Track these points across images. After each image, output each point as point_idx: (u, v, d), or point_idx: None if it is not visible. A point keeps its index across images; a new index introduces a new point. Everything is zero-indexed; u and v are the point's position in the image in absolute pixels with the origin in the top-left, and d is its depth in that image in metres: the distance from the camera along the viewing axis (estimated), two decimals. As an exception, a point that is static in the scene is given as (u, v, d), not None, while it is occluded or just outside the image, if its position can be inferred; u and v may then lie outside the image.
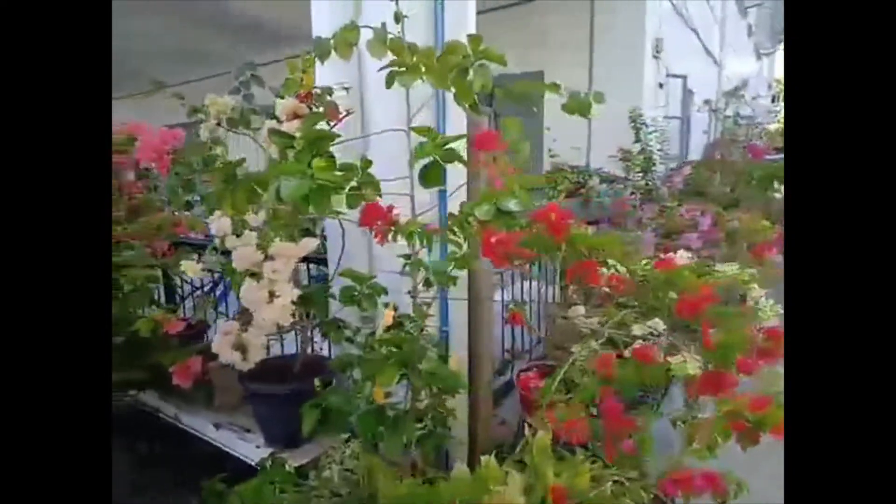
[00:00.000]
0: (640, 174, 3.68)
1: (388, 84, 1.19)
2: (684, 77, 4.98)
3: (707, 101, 6.34)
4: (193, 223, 1.73)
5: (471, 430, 2.00)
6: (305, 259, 1.99)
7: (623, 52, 4.13)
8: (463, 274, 1.53)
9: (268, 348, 2.05)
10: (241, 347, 1.47)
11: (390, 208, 1.06)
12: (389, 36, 1.33)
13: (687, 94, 5.55)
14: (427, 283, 1.43)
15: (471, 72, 1.33)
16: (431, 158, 1.09)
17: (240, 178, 1.05)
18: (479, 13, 4.55)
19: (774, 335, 0.96)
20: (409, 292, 1.33)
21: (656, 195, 3.32)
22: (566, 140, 4.31)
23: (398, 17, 1.21)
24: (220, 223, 1.40)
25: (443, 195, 1.66)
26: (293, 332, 1.89)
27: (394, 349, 1.37)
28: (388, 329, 1.36)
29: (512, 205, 1.00)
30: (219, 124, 1.65)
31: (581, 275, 1.03)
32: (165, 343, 1.72)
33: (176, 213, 1.72)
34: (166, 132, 1.89)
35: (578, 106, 1.54)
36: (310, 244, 1.32)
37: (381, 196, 1.25)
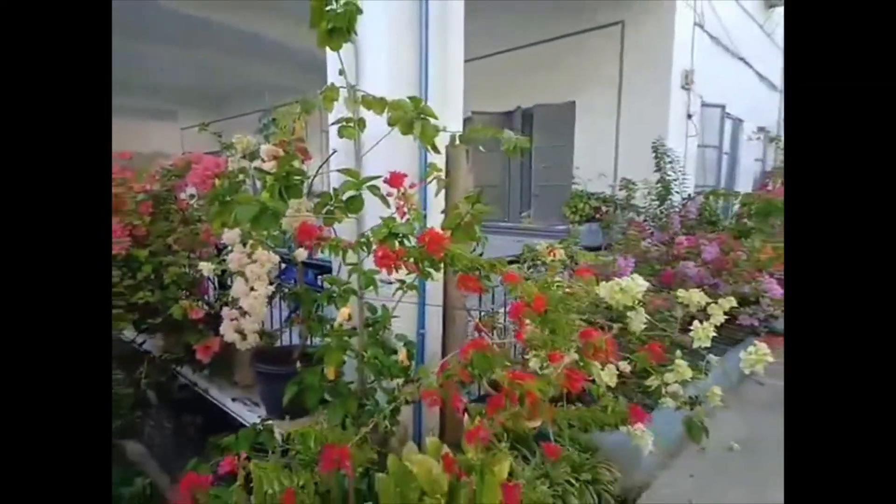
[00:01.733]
0: (657, 202, 3.78)
1: (340, 134, 1.56)
2: (722, 106, 4.95)
3: (761, 129, 6.14)
4: (217, 233, 2.21)
5: (442, 417, 2.28)
6: (309, 265, 2.42)
7: (650, 84, 4.27)
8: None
9: (280, 338, 2.50)
10: (241, 331, 1.89)
11: (320, 228, 1.42)
12: (361, 92, 1.72)
13: (729, 122, 5.47)
14: (401, 289, 1.78)
15: (416, 124, 1.66)
16: (355, 192, 1.44)
17: (225, 202, 1.47)
18: (516, 48, 4.95)
19: (586, 334, 1.17)
20: (357, 294, 1.68)
21: (664, 223, 3.41)
22: (595, 168, 4.49)
23: (342, 72, 1.57)
24: (229, 235, 1.85)
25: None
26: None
27: (345, 339, 1.72)
28: (341, 324, 1.72)
29: (402, 229, 1.32)
30: (244, 157, 2.12)
31: (464, 283, 1.32)
32: (194, 326, 2.19)
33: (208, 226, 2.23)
34: (211, 161, 2.41)
35: (515, 146, 1.81)
36: (274, 257, 1.72)
37: (347, 217, 1.62)
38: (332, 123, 1.57)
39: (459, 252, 1.30)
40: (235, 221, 1.27)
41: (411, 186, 1.43)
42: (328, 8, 1.39)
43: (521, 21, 4.87)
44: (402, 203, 1.40)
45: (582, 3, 4.42)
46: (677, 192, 3.68)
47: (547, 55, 4.91)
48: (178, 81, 7.67)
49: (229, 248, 1.96)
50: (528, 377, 1.04)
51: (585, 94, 4.72)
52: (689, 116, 4.36)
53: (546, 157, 5.06)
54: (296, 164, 1.61)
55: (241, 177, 2.14)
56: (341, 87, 1.71)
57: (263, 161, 1.58)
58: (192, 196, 2.45)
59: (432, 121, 1.66)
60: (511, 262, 2.57)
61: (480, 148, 1.95)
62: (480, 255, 2.82)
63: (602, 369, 1.78)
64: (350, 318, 1.73)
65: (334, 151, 1.93)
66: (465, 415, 1.37)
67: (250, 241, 1.71)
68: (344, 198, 1.43)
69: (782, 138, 6.50)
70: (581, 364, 1.27)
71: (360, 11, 1.45)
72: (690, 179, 4.52)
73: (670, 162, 3.82)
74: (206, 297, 2.58)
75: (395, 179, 1.40)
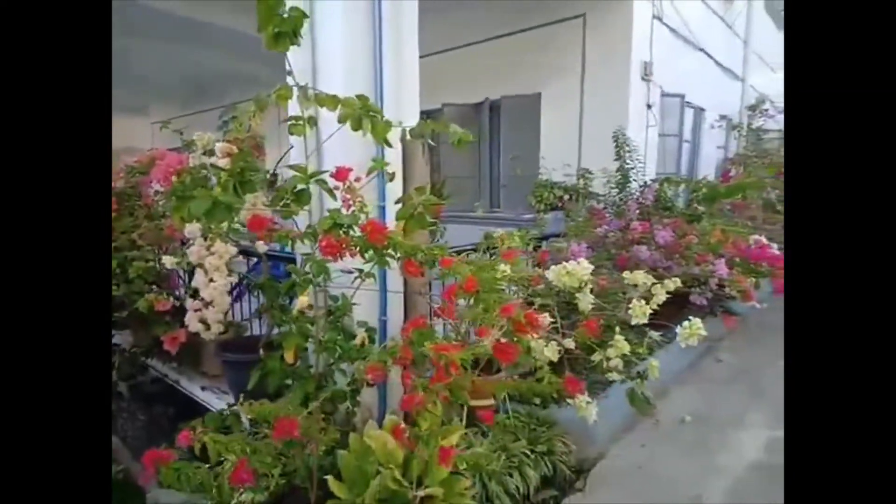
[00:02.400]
0: (617, 190, 3.94)
1: (290, 131, 1.65)
2: (681, 96, 5.13)
3: (724, 117, 6.36)
4: (179, 227, 2.28)
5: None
6: (279, 257, 2.51)
7: (611, 76, 4.41)
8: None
9: (250, 329, 2.58)
10: (204, 321, 1.98)
11: (271, 219, 1.52)
12: (312, 90, 1.81)
13: (690, 112, 5.66)
14: (360, 278, 1.88)
15: (365, 121, 1.75)
16: (304, 186, 1.54)
17: (183, 197, 1.55)
18: (482, 41, 5.01)
19: (506, 310, 1.28)
20: (313, 283, 1.78)
21: (618, 210, 3.57)
22: (561, 158, 4.63)
23: (290, 73, 1.66)
24: (191, 228, 1.93)
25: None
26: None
27: (305, 325, 1.82)
28: (301, 311, 1.82)
29: (346, 220, 1.42)
30: (205, 153, 2.19)
31: (407, 269, 1.43)
32: (161, 319, 2.27)
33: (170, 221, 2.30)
34: (174, 157, 2.47)
35: (460, 140, 1.91)
36: (231, 249, 1.81)
37: (303, 209, 1.72)
38: (283, 121, 1.66)
39: (400, 240, 1.41)
40: (190, 215, 1.35)
41: (357, 180, 1.54)
42: (278, 12, 1.48)
43: (488, 15, 4.96)
44: (347, 196, 1.50)
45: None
46: (635, 181, 3.84)
47: (513, 48, 5.01)
48: (149, 76, 7.57)
49: (191, 241, 2.04)
50: (451, 348, 1.15)
51: (550, 86, 4.84)
52: (649, 107, 4.52)
53: (514, 147, 5.19)
54: (250, 160, 1.69)
55: (203, 173, 2.21)
56: (294, 85, 1.79)
57: (219, 158, 1.66)
58: (156, 192, 2.50)
59: (382, 117, 1.75)
60: (470, 251, 2.69)
61: (430, 142, 2.05)
62: (443, 244, 2.94)
63: (546, 346, 1.93)
64: (310, 306, 1.83)
65: (291, 147, 2.01)
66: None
67: (209, 235, 1.79)
68: (295, 192, 1.53)
69: (744, 126, 6.73)
70: (515, 339, 1.40)
71: (306, 16, 1.53)
72: (651, 168, 4.69)
73: (629, 151, 3.98)
74: (175, 291, 2.65)
75: (340, 174, 1.50)
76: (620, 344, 2.02)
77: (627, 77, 4.28)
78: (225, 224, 1.42)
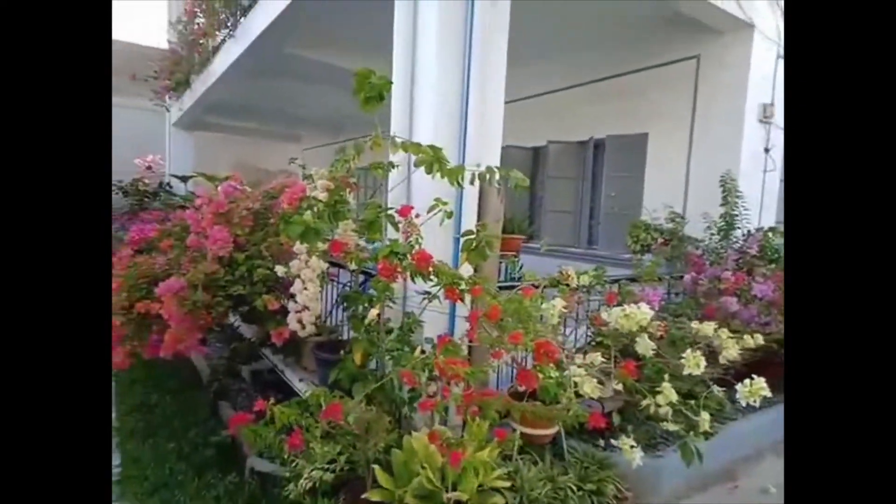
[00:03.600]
0: (719, 236, 3.74)
1: (371, 173, 2.02)
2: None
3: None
4: (290, 244, 2.80)
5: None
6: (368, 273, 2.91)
7: (724, 118, 4.22)
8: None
9: (340, 332, 3.01)
10: (300, 322, 2.42)
11: (347, 243, 1.88)
12: (399, 139, 2.18)
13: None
14: (426, 299, 2.19)
15: (436, 165, 2.07)
16: (374, 218, 1.88)
17: (288, 221, 1.99)
18: (591, 82, 5.20)
19: (542, 346, 1.45)
20: (383, 300, 2.11)
21: (718, 258, 3.38)
22: (665, 199, 4.52)
23: (376, 127, 2.02)
24: (299, 246, 2.40)
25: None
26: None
27: (375, 334, 2.16)
28: (371, 321, 2.16)
29: (401, 249, 1.71)
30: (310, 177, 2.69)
31: (448, 294, 1.68)
32: (273, 317, 2.78)
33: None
34: (298, 187, 3.03)
35: (517, 185, 2.13)
36: (323, 265, 2.22)
37: (379, 237, 2.08)
38: (362, 168, 2.04)
39: (442, 268, 1.66)
40: (287, 236, 1.76)
41: (417, 216, 1.83)
42: (367, 81, 1.87)
43: (598, 57, 5.08)
44: (408, 229, 1.81)
45: (657, 38, 4.53)
46: (740, 228, 3.61)
47: (622, 88, 5.05)
48: (304, 112, 8.94)
49: (298, 255, 2.53)
50: (461, 363, 1.36)
51: (658, 127, 4.76)
52: (767, 151, 4.21)
53: (616, 186, 5.15)
54: (343, 194, 2.10)
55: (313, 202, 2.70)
56: (391, 134, 2.19)
57: (320, 192, 2.09)
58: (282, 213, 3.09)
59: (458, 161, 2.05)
60: (535, 286, 2.85)
61: (497, 184, 2.28)
62: (518, 277, 3.14)
63: (587, 382, 2.01)
64: (378, 317, 2.16)
65: (380, 185, 2.40)
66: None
67: (310, 251, 2.23)
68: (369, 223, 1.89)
69: None
70: (537, 367, 1.55)
71: (391, 84, 1.90)
72: (769, 216, 4.34)
73: (737, 197, 3.77)
74: (285, 295, 3.20)
75: (402, 211, 1.82)
76: (668, 391, 2.02)
77: (742, 119, 4.07)
78: (312, 244, 1.81)
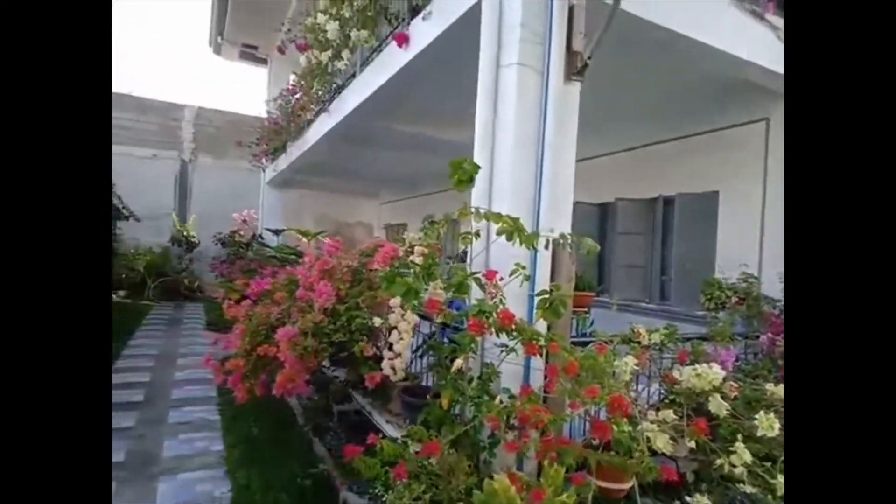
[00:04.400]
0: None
1: (459, 242, 2.36)
2: None
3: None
4: (387, 299, 3.17)
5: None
6: (449, 326, 3.21)
7: (797, 176, 4.24)
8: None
9: (425, 379, 3.30)
10: (393, 368, 2.74)
11: (439, 302, 2.19)
12: (483, 210, 2.52)
13: None
14: (503, 351, 2.45)
15: (515, 234, 2.37)
16: (463, 280, 2.19)
17: (391, 281, 2.36)
18: (661, 142, 5.42)
19: (616, 401, 1.64)
20: (468, 351, 2.38)
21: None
22: (739, 257, 4.53)
23: (465, 203, 2.37)
24: (394, 300, 2.76)
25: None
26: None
27: (460, 382, 2.42)
28: (457, 371, 2.43)
29: (487, 308, 2.00)
30: (409, 248, 3.08)
31: (527, 349, 1.92)
32: (367, 362, 3.14)
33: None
34: (390, 248, 3.45)
35: (589, 251, 2.37)
36: (416, 318, 2.54)
37: (465, 295, 2.39)
38: (458, 234, 2.39)
39: (523, 326, 1.92)
40: (391, 294, 2.11)
41: (500, 279, 2.12)
42: (460, 167, 2.24)
43: (663, 119, 5.29)
44: (493, 291, 2.10)
45: (726, 102, 4.69)
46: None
47: (689, 148, 5.19)
48: (382, 171, 9.76)
49: (393, 309, 2.88)
50: (544, 411, 1.59)
51: (729, 186, 4.82)
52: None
53: (687, 242, 5.19)
54: (435, 258, 2.45)
55: (406, 262, 3.07)
56: (474, 206, 2.54)
57: (416, 256, 2.46)
58: (375, 270, 3.51)
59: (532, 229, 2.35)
60: (607, 341, 3.01)
61: (569, 247, 2.54)
62: (590, 332, 3.32)
63: (658, 437, 2.14)
64: (461, 368, 2.43)
65: (464, 251, 2.74)
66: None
67: (406, 305, 2.57)
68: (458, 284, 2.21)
69: None
70: (611, 420, 1.73)
71: (478, 168, 2.26)
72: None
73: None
74: (378, 343, 3.56)
75: (488, 275, 2.12)
76: (741, 451, 2.09)
77: (817, 178, 4.07)
78: (411, 301, 2.14)
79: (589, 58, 2.91)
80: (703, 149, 5.06)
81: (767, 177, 4.48)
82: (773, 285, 3.94)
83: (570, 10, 2.90)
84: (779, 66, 3.87)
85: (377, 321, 2.76)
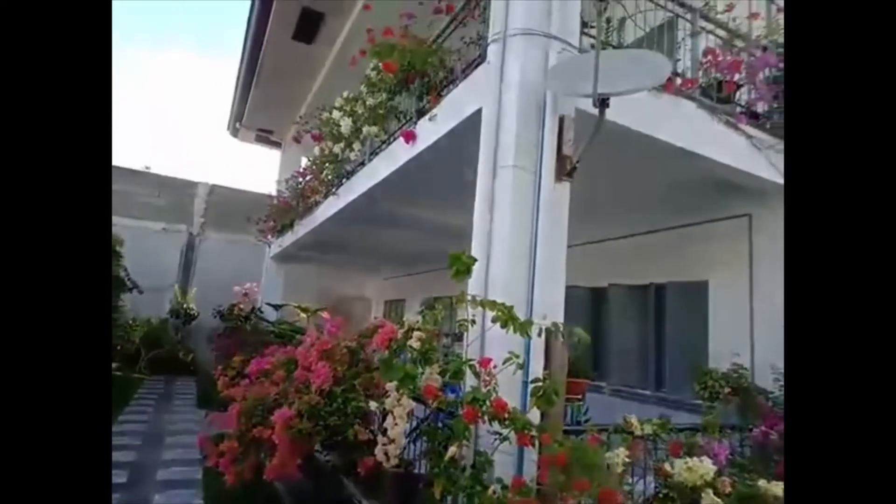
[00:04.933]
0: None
1: (458, 329, 2.48)
2: (883, 290, 4.66)
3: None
4: (384, 383, 3.22)
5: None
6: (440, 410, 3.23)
7: (780, 273, 4.44)
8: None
9: (418, 466, 3.25)
10: (387, 454, 2.74)
11: (435, 387, 2.27)
12: (479, 298, 2.66)
13: None
14: (501, 439, 2.48)
15: (509, 322, 2.50)
16: (459, 367, 2.28)
17: (388, 365, 2.44)
18: (651, 231, 5.66)
19: (606, 496, 1.67)
20: (466, 437, 2.41)
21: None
22: (730, 346, 4.61)
23: (462, 292, 2.52)
24: (390, 385, 2.82)
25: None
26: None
27: (451, 469, 2.43)
28: (451, 459, 2.44)
29: (481, 395, 2.08)
30: (408, 331, 3.19)
31: (519, 440, 1.97)
32: (360, 447, 3.12)
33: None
34: (388, 329, 3.55)
35: (580, 340, 2.48)
36: (412, 403, 2.60)
37: (461, 381, 2.47)
38: (456, 321, 2.52)
39: (517, 415, 1.99)
40: (388, 380, 2.19)
41: (494, 366, 2.22)
42: (459, 259, 2.42)
43: (653, 211, 5.61)
44: (487, 379, 2.19)
45: (709, 198, 5.00)
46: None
47: (681, 238, 5.45)
48: (385, 248, 10.07)
49: (389, 392, 2.93)
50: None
51: (718, 275, 5.01)
52: (832, 301, 4.30)
53: (680, 329, 5.29)
54: (432, 343, 2.56)
55: (404, 345, 3.15)
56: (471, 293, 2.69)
57: (414, 341, 2.57)
58: (373, 352, 3.59)
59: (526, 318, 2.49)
60: (601, 430, 3.02)
61: (561, 336, 2.65)
62: (586, 420, 3.34)
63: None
64: (455, 456, 2.44)
65: (460, 334, 2.85)
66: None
67: (402, 390, 2.62)
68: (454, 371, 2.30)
69: None
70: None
71: (475, 261, 2.45)
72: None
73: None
74: (372, 427, 3.55)
75: (483, 363, 2.22)
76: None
77: (799, 272, 4.27)
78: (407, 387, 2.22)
79: (577, 161, 3.20)
80: (692, 240, 5.32)
81: (753, 269, 4.67)
82: (765, 376, 3.99)
83: (561, 120, 3.25)
84: (755, 170, 4.21)
85: (372, 405, 2.80)
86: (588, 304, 6.44)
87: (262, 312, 10.88)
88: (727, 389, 3.85)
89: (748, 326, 4.60)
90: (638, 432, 2.87)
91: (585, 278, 6.46)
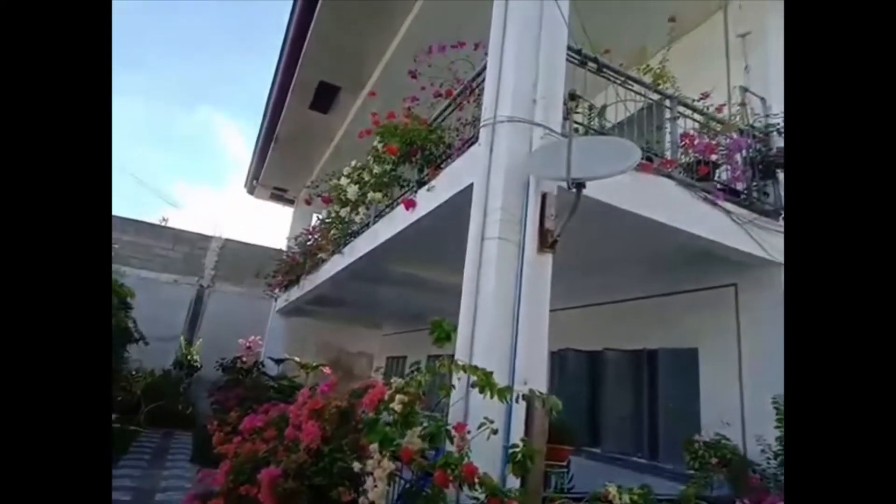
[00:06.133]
0: (776, 462, 3.74)
1: (439, 393, 2.62)
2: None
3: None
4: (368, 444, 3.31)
5: None
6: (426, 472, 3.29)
7: (766, 341, 4.54)
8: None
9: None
10: (369, 514, 2.80)
11: (414, 450, 2.38)
12: (461, 362, 2.82)
13: None
14: None
15: (486, 388, 2.64)
16: (436, 431, 2.41)
17: (372, 427, 2.57)
18: (643, 297, 5.81)
19: None
20: (443, 501, 2.49)
21: (773, 484, 3.35)
22: (720, 414, 4.62)
23: (439, 356, 2.69)
24: (374, 446, 2.93)
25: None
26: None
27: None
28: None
29: (453, 460, 2.19)
30: (396, 391, 3.32)
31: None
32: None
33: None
34: (378, 389, 3.68)
35: (552, 408, 2.61)
36: (392, 465, 2.70)
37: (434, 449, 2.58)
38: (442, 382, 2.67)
39: (487, 480, 2.10)
40: (369, 441, 2.32)
41: (468, 432, 2.34)
42: (439, 326, 2.61)
43: (643, 278, 5.79)
44: (460, 443, 2.31)
45: (697, 268, 5.19)
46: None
47: (670, 306, 5.58)
48: (386, 305, 10.25)
49: (372, 454, 3.03)
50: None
51: (707, 344, 5.10)
52: (818, 373, 4.36)
53: (671, 398, 5.31)
54: (414, 407, 2.69)
55: (391, 407, 3.27)
56: (455, 358, 2.85)
57: (396, 404, 2.71)
58: (363, 412, 3.69)
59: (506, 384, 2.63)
60: (577, 499, 3.07)
61: (542, 403, 2.77)
62: (567, 488, 3.38)
63: None
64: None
65: (445, 396, 2.99)
66: None
67: (384, 451, 2.73)
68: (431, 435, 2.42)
69: None
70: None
71: (454, 328, 2.63)
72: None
73: (791, 420, 3.86)
74: (359, 489, 3.58)
75: (458, 427, 2.35)
76: None
77: (782, 346, 4.36)
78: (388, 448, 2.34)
79: (558, 235, 3.44)
80: (682, 307, 5.45)
81: (741, 338, 4.77)
82: (753, 447, 4.00)
83: (544, 197, 3.53)
84: (736, 243, 4.43)
85: (356, 466, 2.88)
86: (586, 367, 6.49)
87: (263, 366, 10.94)
88: (714, 460, 3.86)
89: (738, 396, 4.63)
90: (616, 502, 2.91)
91: (582, 341, 6.54)
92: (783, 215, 4.73)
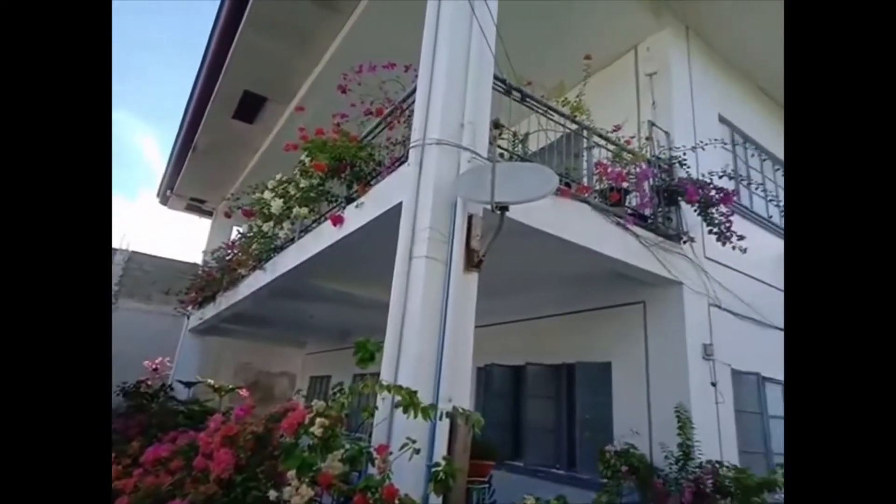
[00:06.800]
0: (677, 466, 4.05)
1: (362, 414, 2.58)
2: (757, 374, 5.29)
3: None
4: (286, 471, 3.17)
5: None
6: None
7: (671, 355, 4.95)
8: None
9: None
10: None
11: (333, 475, 2.33)
12: (385, 382, 2.79)
13: (777, 387, 5.64)
14: None
15: (410, 408, 2.64)
16: (357, 454, 2.37)
17: (289, 452, 2.47)
18: (558, 314, 6.07)
19: None
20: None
21: (678, 489, 3.64)
22: (631, 424, 4.93)
23: (365, 375, 2.66)
24: (291, 473, 2.80)
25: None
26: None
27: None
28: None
29: (374, 483, 2.17)
30: (318, 415, 3.21)
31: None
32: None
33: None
34: (299, 413, 3.54)
35: (473, 425, 2.65)
36: (310, 492, 2.61)
37: (357, 471, 2.53)
38: (366, 407, 2.63)
39: (406, 501, 2.09)
40: (286, 468, 2.23)
41: (391, 453, 2.32)
42: (364, 346, 2.58)
43: (560, 296, 6.10)
44: (382, 466, 2.29)
45: (608, 286, 5.54)
46: (699, 457, 3.96)
47: (585, 322, 5.92)
48: (311, 322, 9.91)
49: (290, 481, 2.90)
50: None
51: (619, 358, 5.45)
52: (714, 384, 4.81)
53: (588, 410, 5.59)
54: (335, 430, 2.63)
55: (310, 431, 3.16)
56: (381, 378, 2.82)
57: (317, 427, 2.63)
58: (281, 437, 3.53)
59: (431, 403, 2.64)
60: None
61: (465, 418, 2.81)
62: (489, 503, 3.40)
63: None
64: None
65: (369, 417, 2.94)
66: None
67: (302, 478, 2.63)
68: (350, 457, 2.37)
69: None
70: None
71: (379, 347, 2.62)
72: (731, 447, 4.70)
73: (692, 427, 4.21)
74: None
75: (380, 449, 2.32)
76: None
77: (685, 357, 4.77)
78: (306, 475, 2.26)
79: (484, 254, 3.55)
80: (597, 322, 5.79)
81: (648, 352, 5.15)
82: (658, 454, 4.30)
83: (470, 218, 3.63)
84: (644, 264, 4.80)
85: (272, 495, 2.74)
86: (510, 381, 6.66)
87: (172, 390, 10.10)
88: (624, 468, 4.10)
89: (646, 406, 4.98)
90: (533, 513, 3.00)
91: (507, 357, 6.73)
92: (683, 240, 5.23)
